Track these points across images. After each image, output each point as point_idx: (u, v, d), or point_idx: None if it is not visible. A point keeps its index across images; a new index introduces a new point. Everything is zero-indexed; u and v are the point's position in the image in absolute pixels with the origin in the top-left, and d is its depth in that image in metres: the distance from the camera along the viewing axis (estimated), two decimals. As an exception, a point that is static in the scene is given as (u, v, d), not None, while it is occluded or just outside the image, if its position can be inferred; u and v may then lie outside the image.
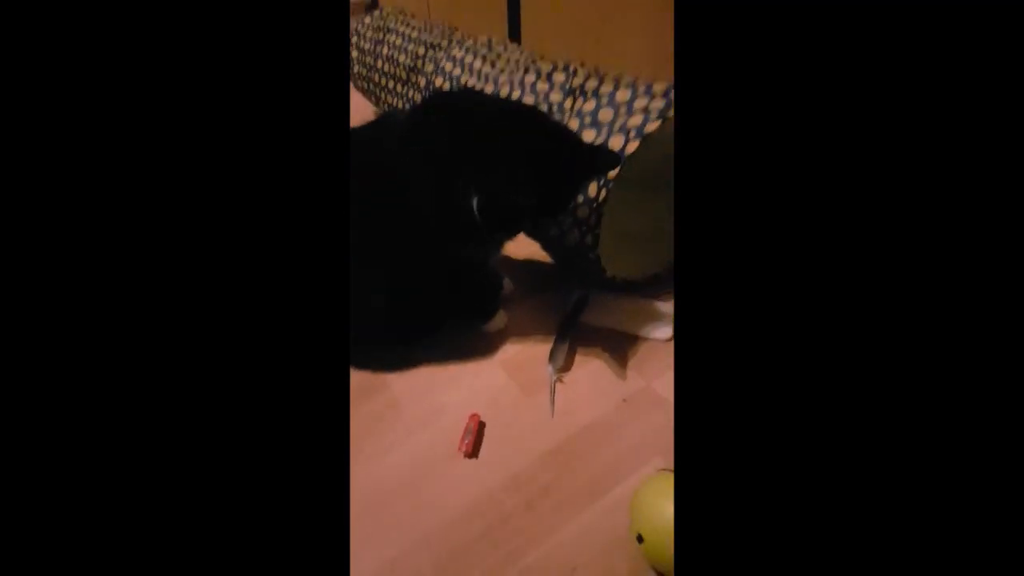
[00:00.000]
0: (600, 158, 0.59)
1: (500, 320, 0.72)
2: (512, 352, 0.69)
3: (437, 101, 0.67)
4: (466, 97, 0.67)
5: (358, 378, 0.67)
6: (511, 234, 0.64)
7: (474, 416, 0.59)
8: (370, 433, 0.60)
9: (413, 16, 1.22)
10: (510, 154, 0.55)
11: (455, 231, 0.58)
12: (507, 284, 0.78)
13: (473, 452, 0.57)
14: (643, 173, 0.72)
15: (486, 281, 0.74)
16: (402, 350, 0.69)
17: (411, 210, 0.57)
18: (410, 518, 0.52)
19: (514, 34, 1.13)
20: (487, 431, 0.59)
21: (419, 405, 0.63)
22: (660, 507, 0.43)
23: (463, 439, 0.57)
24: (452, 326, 0.71)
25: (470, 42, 0.97)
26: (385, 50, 1.16)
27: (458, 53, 0.96)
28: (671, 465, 0.50)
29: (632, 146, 0.62)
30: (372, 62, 1.20)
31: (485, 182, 0.53)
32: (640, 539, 0.43)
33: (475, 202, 0.53)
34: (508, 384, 0.65)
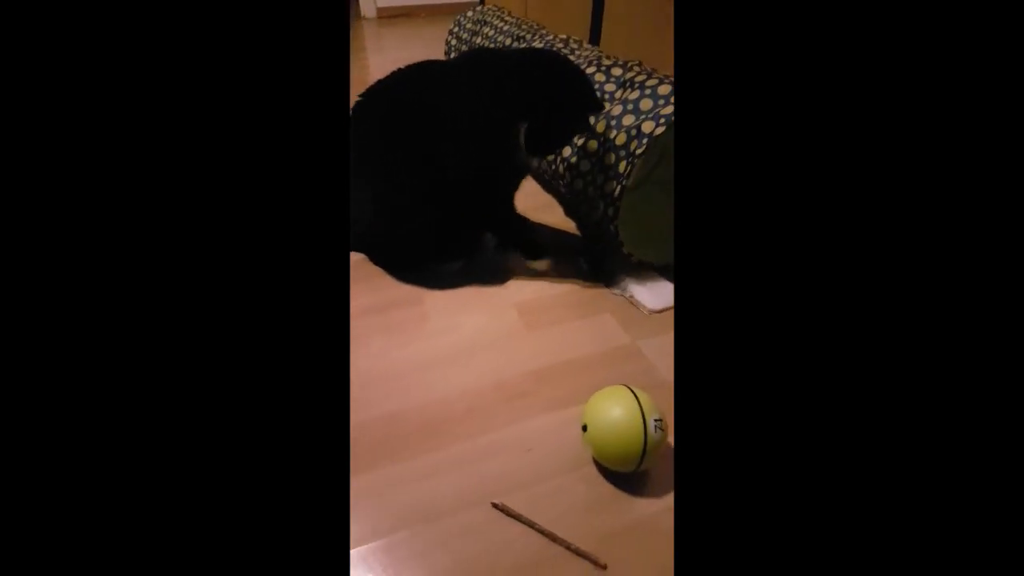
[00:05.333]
0: (594, 101, 0.75)
1: (543, 263, 0.85)
2: (526, 296, 0.80)
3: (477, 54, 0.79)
4: (496, 50, 0.80)
5: (402, 290, 0.80)
6: (543, 156, 0.81)
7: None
8: (398, 331, 0.73)
9: (510, 13, 1.37)
10: (542, 91, 0.71)
11: (498, 156, 0.73)
12: None
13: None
14: (664, 173, 0.82)
15: (524, 222, 0.86)
16: (439, 266, 0.84)
17: (457, 143, 0.72)
18: (411, 391, 0.64)
19: (595, 39, 1.25)
20: (488, 349, 0.70)
21: (442, 320, 0.75)
22: (605, 406, 0.52)
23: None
24: (478, 261, 0.85)
25: (550, 37, 1.10)
26: (479, 40, 1.32)
27: (538, 44, 1.08)
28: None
29: (659, 130, 0.72)
30: (467, 49, 1.36)
31: (529, 115, 0.71)
32: (584, 428, 0.53)
33: (522, 131, 0.69)
34: (517, 320, 0.76)
